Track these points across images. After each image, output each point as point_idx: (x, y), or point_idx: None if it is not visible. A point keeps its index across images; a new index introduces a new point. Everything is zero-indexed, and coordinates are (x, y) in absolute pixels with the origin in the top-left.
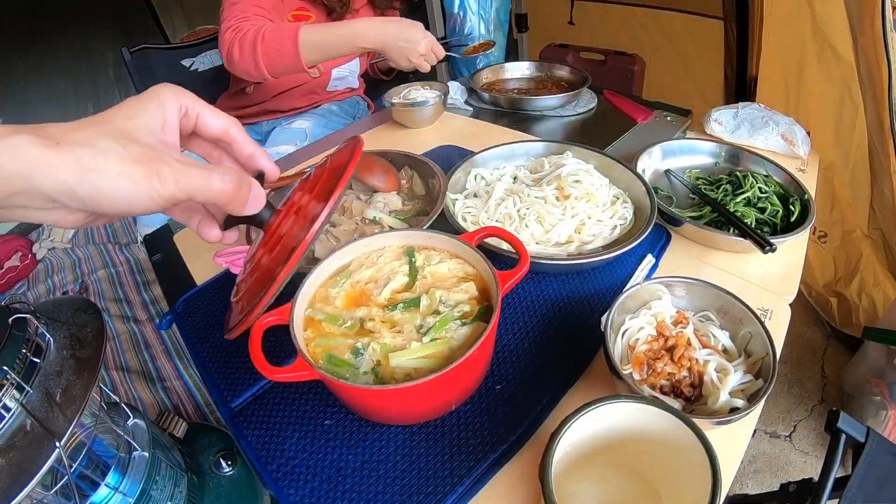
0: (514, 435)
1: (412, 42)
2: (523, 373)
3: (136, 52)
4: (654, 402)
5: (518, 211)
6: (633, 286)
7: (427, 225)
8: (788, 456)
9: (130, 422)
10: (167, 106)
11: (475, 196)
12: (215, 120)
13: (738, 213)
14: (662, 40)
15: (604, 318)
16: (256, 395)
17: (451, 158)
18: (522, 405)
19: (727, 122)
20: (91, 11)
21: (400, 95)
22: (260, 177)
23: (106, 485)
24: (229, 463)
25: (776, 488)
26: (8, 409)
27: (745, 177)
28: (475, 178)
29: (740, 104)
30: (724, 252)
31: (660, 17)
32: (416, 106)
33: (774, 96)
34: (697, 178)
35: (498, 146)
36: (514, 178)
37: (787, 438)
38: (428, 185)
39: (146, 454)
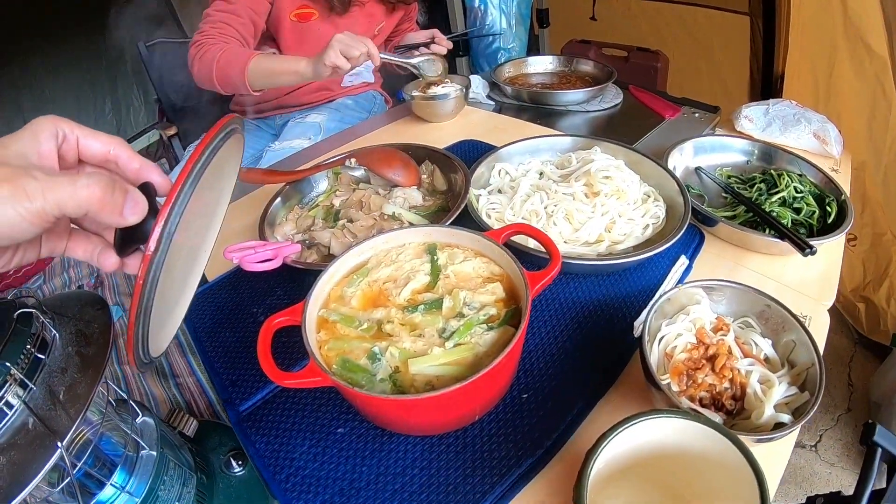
0: (542, 448)
1: (327, 49)
2: (551, 381)
3: (151, 45)
4: (698, 417)
5: (545, 208)
6: (669, 290)
7: (449, 221)
8: (814, 467)
9: (139, 419)
10: (41, 133)
11: (499, 192)
12: (95, 141)
13: (775, 214)
14: (686, 36)
15: (637, 323)
16: (266, 399)
17: (474, 153)
18: (550, 416)
19: (758, 120)
20: (108, 7)
21: (420, 88)
22: (148, 190)
23: (112, 484)
24: (240, 463)
25: (801, 500)
26: (10, 407)
27: (780, 176)
28: (499, 174)
29: (771, 101)
30: (759, 254)
31: (684, 13)
32: (437, 99)
33: (802, 93)
34: (729, 177)
35: (523, 140)
36: (541, 174)
37: (813, 448)
38: (450, 179)
39: (154, 453)
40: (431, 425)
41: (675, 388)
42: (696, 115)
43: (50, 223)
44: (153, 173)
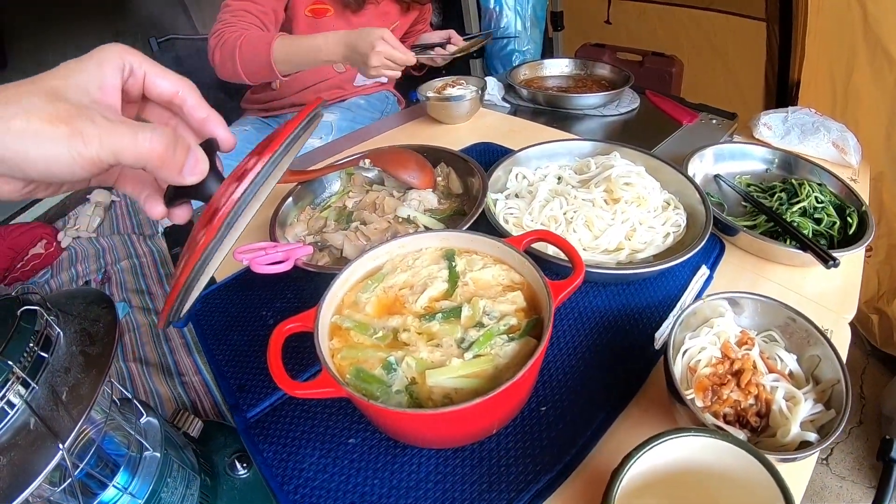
0: (561, 463)
1: (363, 55)
2: (570, 394)
3: (163, 42)
4: (725, 436)
5: (565, 214)
6: (693, 303)
7: (466, 226)
8: (824, 480)
9: (143, 419)
10: (107, 64)
11: (516, 196)
12: (164, 80)
13: (796, 224)
14: (702, 41)
15: (658, 335)
16: (275, 406)
17: (489, 156)
18: (569, 430)
19: (776, 127)
20: (121, 2)
21: (435, 89)
22: (211, 146)
23: (114, 485)
24: (245, 465)
25: None
26: (12, 406)
27: (801, 185)
28: (517, 178)
29: (790, 108)
30: (780, 265)
31: (699, 18)
32: (452, 100)
33: (819, 101)
34: (748, 185)
35: (540, 144)
36: (559, 179)
37: (824, 462)
38: (466, 182)
39: (158, 454)
40: (448, 439)
41: (699, 403)
42: (714, 121)
43: (103, 170)
44: (218, 127)
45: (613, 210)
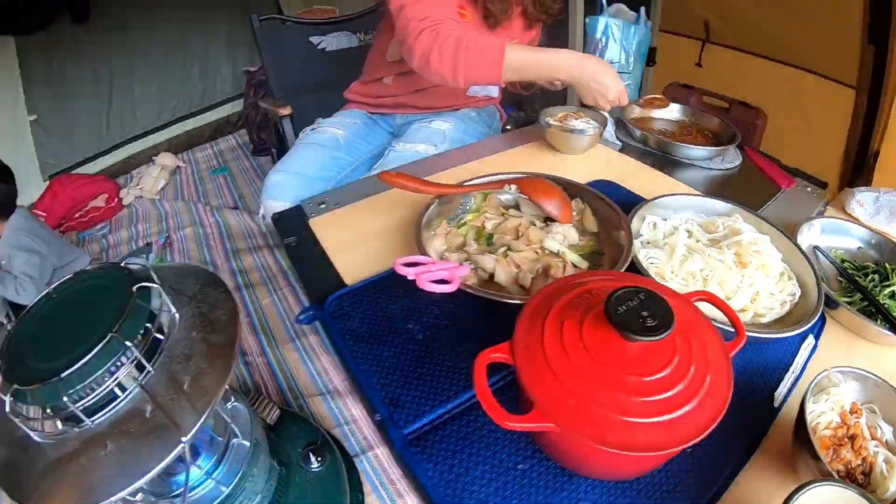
0: (704, 500)
1: (604, 87)
2: (709, 441)
3: (265, 20)
4: (856, 489)
5: (701, 271)
6: (821, 372)
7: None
8: None
9: (229, 404)
10: None
11: (649, 244)
12: None
13: (886, 306)
14: (788, 97)
15: (777, 394)
16: (435, 424)
17: (612, 196)
18: (709, 471)
19: (868, 205)
20: None
21: (556, 118)
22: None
23: (206, 473)
24: (319, 459)
25: None
26: (124, 389)
27: (893, 271)
28: (652, 226)
29: (882, 189)
30: (869, 342)
31: (789, 74)
32: (574, 132)
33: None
34: (843, 261)
35: (671, 196)
36: (689, 233)
37: None
38: (600, 221)
39: (247, 443)
40: (622, 473)
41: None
42: (808, 189)
43: None
44: None
45: (742, 274)
